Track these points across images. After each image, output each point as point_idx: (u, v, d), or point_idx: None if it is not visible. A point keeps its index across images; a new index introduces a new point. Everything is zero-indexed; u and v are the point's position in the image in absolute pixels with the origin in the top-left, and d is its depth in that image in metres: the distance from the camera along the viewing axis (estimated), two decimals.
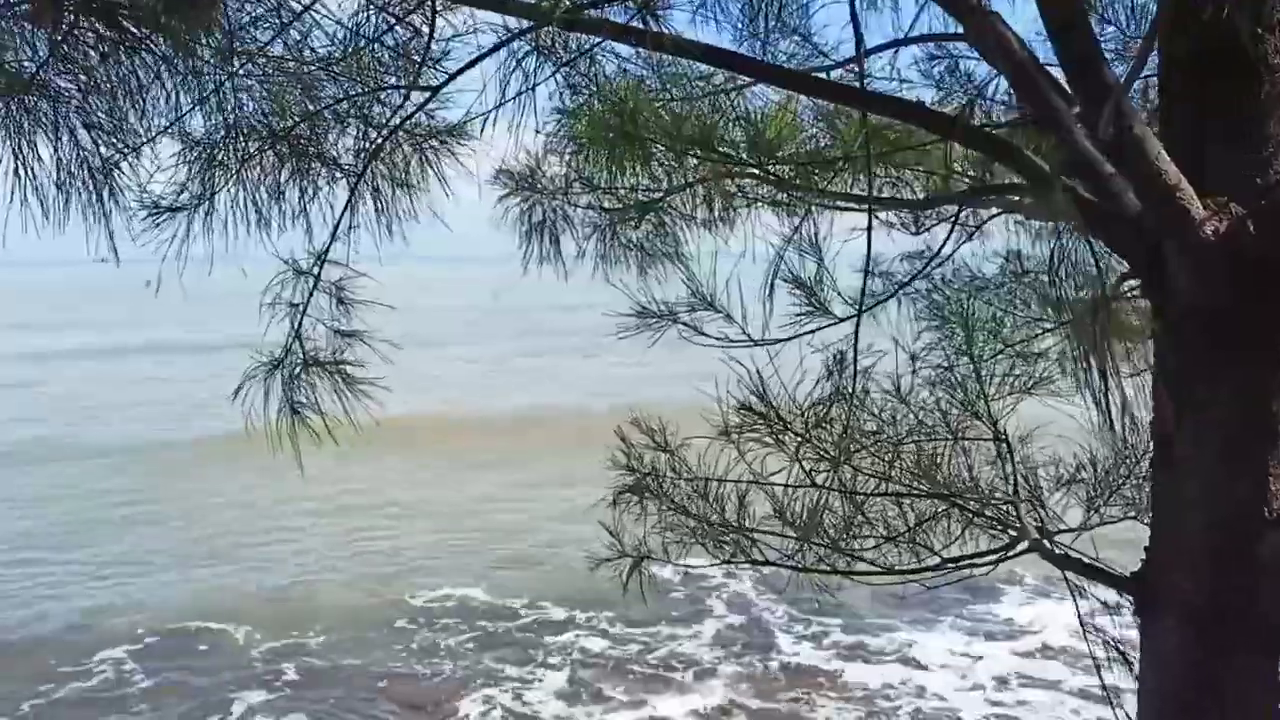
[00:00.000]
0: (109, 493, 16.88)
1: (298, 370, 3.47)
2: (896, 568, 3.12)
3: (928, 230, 3.78)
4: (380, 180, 3.24)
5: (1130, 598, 2.55)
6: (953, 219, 3.42)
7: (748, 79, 4.02)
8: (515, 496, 17.07)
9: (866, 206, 2.75)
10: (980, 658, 11.16)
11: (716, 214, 4.56)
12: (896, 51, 3.09)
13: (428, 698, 9.87)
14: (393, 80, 3.07)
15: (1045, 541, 2.79)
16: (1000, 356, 3.36)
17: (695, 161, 3.93)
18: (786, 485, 3.12)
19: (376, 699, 9.77)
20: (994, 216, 4.57)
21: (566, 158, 4.03)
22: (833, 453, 2.96)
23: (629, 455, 3.57)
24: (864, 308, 2.81)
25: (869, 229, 2.60)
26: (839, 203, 3.87)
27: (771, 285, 2.96)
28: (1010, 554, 2.93)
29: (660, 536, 3.76)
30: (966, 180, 4.23)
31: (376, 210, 3.32)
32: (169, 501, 16.27)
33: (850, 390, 2.89)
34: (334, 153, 3.12)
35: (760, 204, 4.44)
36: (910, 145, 3.33)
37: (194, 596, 12.21)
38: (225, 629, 11.10)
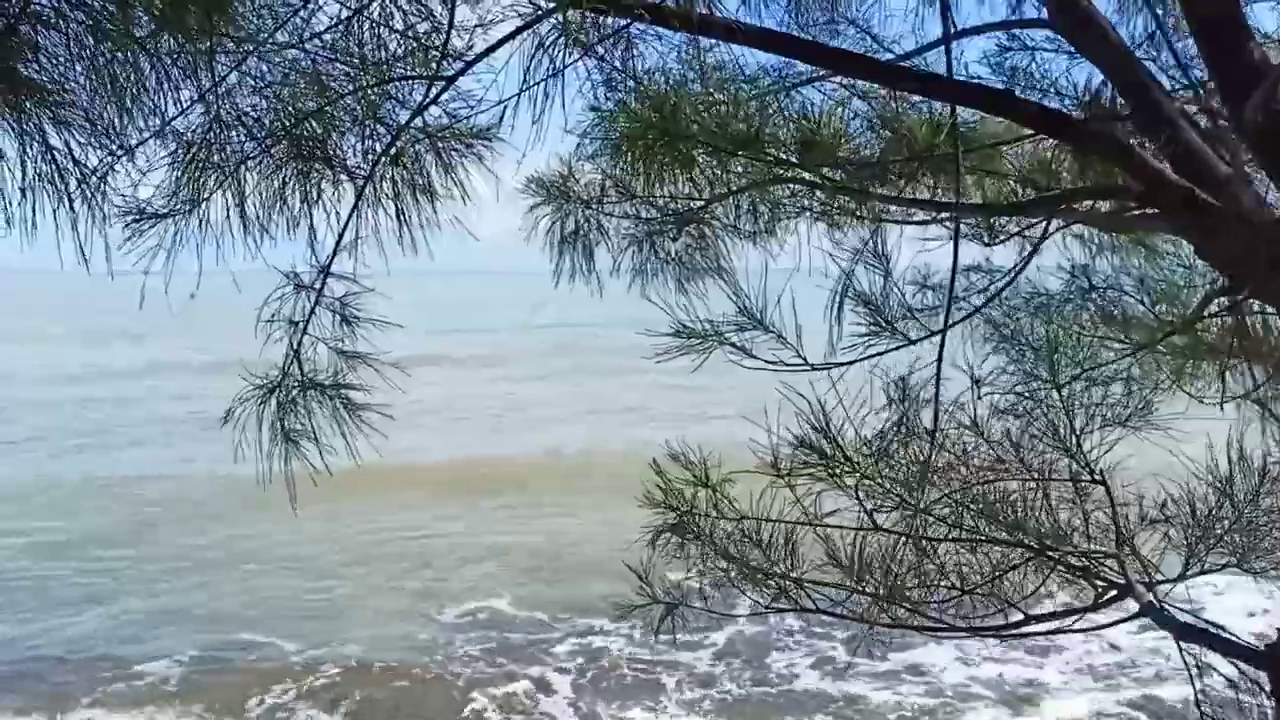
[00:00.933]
0: (151, 514, 16.78)
1: (294, 394, 3.14)
2: (975, 623, 2.73)
3: (1001, 242, 3.39)
4: (391, 184, 2.90)
5: (1262, 675, 2.15)
6: (1042, 226, 3.03)
7: (800, 77, 3.70)
8: (541, 520, 16.80)
9: (954, 214, 2.37)
10: (1004, 674, 10.70)
11: (763, 225, 4.20)
12: (966, 42, 2.70)
13: (451, 696, 10.15)
14: (403, 78, 2.73)
15: (1154, 600, 2.39)
16: (1084, 384, 2.96)
17: (741, 166, 3.59)
18: (857, 529, 2.74)
19: (405, 702, 10.04)
20: (1063, 227, 4.17)
21: (601, 162, 3.70)
22: (908, 496, 2.57)
23: (667, 492, 3.20)
24: (944, 326, 2.42)
25: (955, 237, 2.25)
26: (911, 210, 3.50)
27: (841, 303, 2.59)
28: (1114, 616, 2.53)
29: (698, 579, 3.42)
30: (1026, 187, 3.86)
31: (387, 217, 3.00)
32: (213, 525, 16.22)
33: (934, 425, 2.51)
34: (339, 153, 2.78)
35: (813, 214, 4.08)
36: (978, 146, 2.94)
37: (234, 609, 12.43)
38: (270, 640, 11.41)
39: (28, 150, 2.25)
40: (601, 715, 9.89)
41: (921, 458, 2.71)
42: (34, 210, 2.25)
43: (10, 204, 2.22)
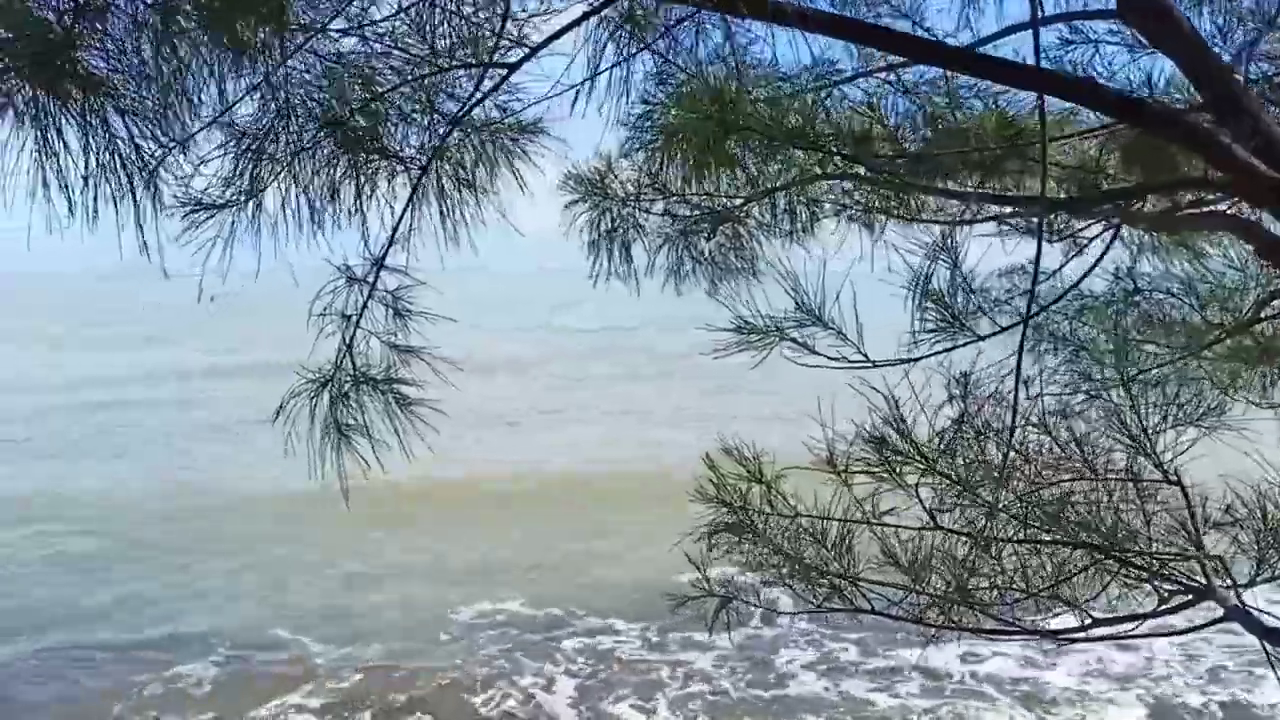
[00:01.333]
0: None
1: (346, 389, 3.10)
2: (1042, 626, 2.67)
3: (1063, 240, 3.34)
4: (445, 178, 2.85)
5: None
6: (1109, 224, 2.97)
7: (839, 75, 3.65)
8: (559, 523, 16.77)
9: (1037, 209, 2.31)
10: (1009, 676, 10.64)
11: (799, 225, 4.15)
12: (1037, 33, 2.62)
13: (465, 696, 10.33)
14: (462, 65, 2.68)
15: (1239, 603, 2.33)
16: (1152, 383, 2.90)
17: (788, 161, 3.55)
18: (922, 528, 2.69)
19: (426, 699, 10.22)
20: (1114, 226, 4.10)
21: (649, 156, 3.64)
22: (984, 495, 2.51)
23: (719, 488, 3.15)
24: (1026, 317, 2.35)
25: (1039, 231, 2.19)
26: (955, 206, 3.46)
27: (922, 297, 2.53)
28: (1195, 621, 2.47)
29: (748, 575, 3.39)
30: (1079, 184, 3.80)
31: (441, 212, 2.95)
32: (234, 528, 16.30)
33: (1012, 422, 2.45)
34: (394, 144, 2.73)
35: (852, 213, 4.03)
36: (1063, 136, 2.88)
37: (259, 610, 12.63)
38: (295, 637, 11.66)
39: (91, 140, 2.21)
40: (590, 713, 10.01)
41: (986, 456, 2.65)
42: (96, 199, 2.20)
43: (73, 192, 2.18)
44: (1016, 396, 2.40)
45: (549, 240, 4.13)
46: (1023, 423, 2.71)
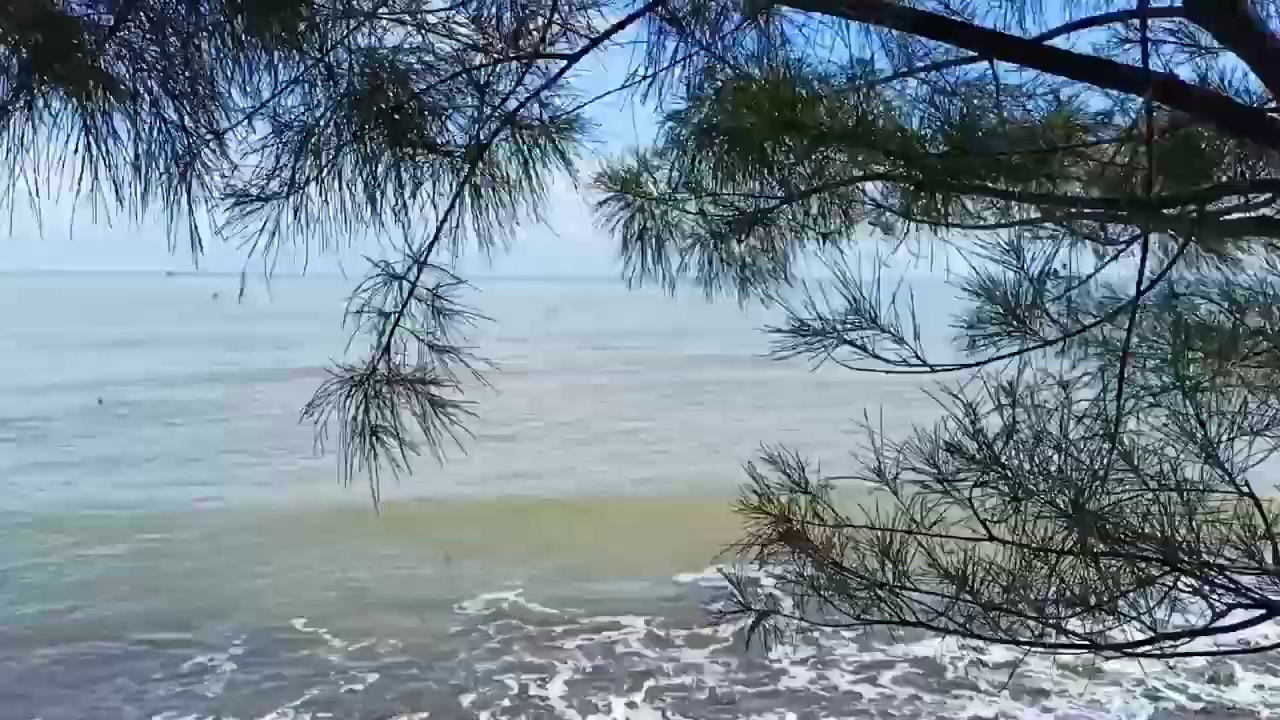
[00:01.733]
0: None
1: (380, 388, 3.02)
2: (1105, 640, 2.60)
3: (1107, 243, 3.26)
4: (492, 175, 2.78)
5: None
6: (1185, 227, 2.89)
7: (876, 75, 3.59)
8: (568, 526, 16.78)
9: (1139, 211, 2.24)
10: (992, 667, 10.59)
11: (840, 224, 4.08)
12: (1145, 26, 2.54)
13: (470, 689, 10.49)
14: (519, 57, 2.60)
15: None
16: (1216, 390, 2.82)
17: (836, 158, 3.47)
18: (995, 539, 2.61)
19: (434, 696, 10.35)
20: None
21: (683, 155, 3.57)
22: (1076, 505, 2.42)
23: (762, 498, 3.07)
24: (1137, 296, 2.27)
25: (1145, 232, 2.11)
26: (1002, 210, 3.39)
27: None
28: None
29: (795, 589, 3.30)
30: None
31: (480, 211, 2.87)
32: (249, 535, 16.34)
33: (1114, 426, 2.37)
34: (443, 139, 2.65)
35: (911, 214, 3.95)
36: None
37: (273, 611, 12.71)
38: (309, 633, 11.88)
39: (141, 132, 2.13)
40: (579, 705, 10.09)
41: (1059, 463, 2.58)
42: (145, 187, 2.13)
43: (122, 181, 2.10)
44: (1120, 398, 2.32)
45: (583, 240, 4.06)
46: (1092, 433, 2.63)
